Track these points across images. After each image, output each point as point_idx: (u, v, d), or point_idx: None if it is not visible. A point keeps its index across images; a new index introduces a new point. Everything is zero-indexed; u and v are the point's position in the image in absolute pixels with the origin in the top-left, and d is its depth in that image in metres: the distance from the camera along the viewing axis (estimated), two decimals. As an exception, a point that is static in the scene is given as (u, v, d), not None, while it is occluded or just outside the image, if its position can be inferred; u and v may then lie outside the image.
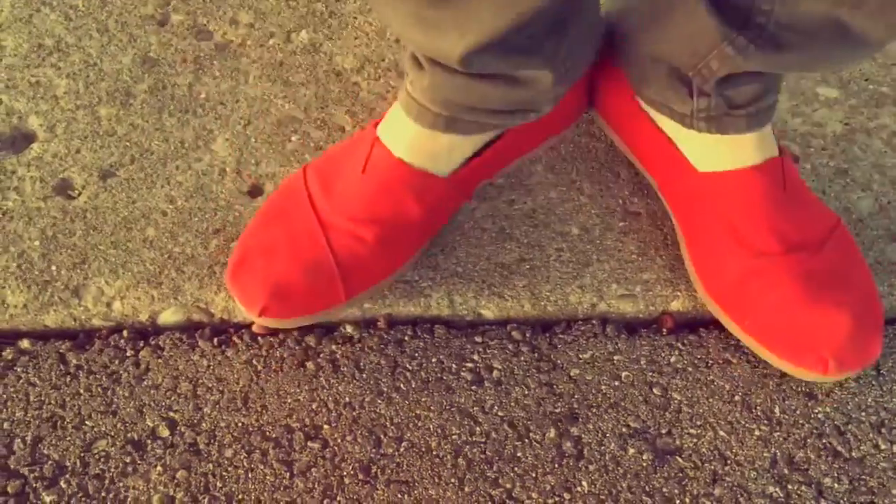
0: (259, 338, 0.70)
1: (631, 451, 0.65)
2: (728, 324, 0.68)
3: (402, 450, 0.65)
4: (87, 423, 0.66)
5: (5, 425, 0.65)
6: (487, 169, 0.71)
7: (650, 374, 0.69)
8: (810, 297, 0.64)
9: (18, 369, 0.68)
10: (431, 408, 0.67)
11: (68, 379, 0.67)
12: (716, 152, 0.66)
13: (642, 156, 0.73)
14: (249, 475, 0.64)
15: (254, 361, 0.68)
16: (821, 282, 0.65)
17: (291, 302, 0.65)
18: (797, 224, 0.66)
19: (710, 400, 0.68)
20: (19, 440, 0.65)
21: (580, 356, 0.70)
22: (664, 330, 0.71)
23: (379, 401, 0.67)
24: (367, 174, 0.66)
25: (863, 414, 0.67)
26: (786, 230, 0.65)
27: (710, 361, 0.69)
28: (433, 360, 0.69)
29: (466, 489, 0.63)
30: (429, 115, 0.64)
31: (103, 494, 0.63)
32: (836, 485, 0.64)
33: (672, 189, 0.71)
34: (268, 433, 0.65)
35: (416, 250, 0.69)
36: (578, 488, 0.64)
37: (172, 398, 0.67)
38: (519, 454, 0.65)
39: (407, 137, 0.66)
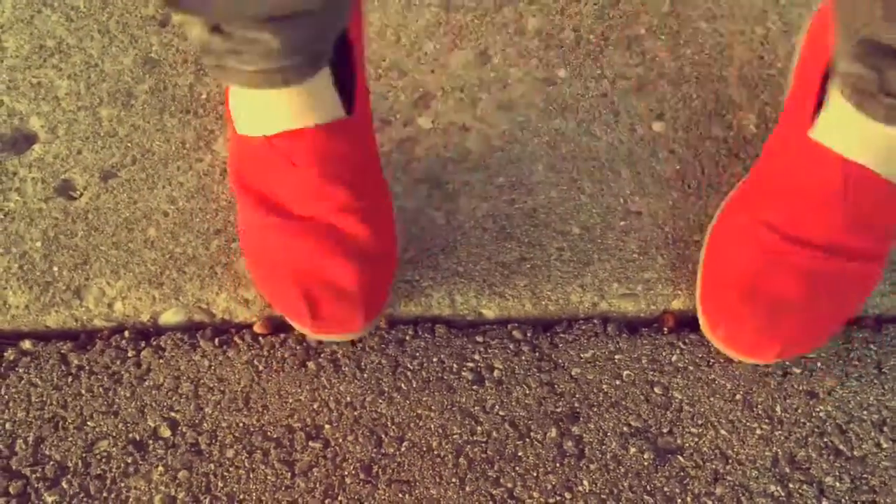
0: (260, 338, 0.70)
1: (632, 450, 0.65)
2: (697, 277, 0.68)
3: (403, 449, 0.65)
4: (88, 423, 0.66)
5: (7, 426, 0.66)
6: (360, 83, 0.67)
7: (651, 373, 0.69)
8: (765, 275, 0.63)
9: (20, 370, 0.68)
10: (432, 407, 0.67)
11: (70, 379, 0.68)
12: (845, 130, 0.62)
13: (792, 93, 0.69)
14: (251, 475, 0.64)
15: (255, 362, 0.69)
16: (794, 274, 0.63)
17: (371, 296, 0.64)
18: (836, 232, 0.63)
19: (712, 399, 0.68)
20: (21, 441, 0.65)
21: (581, 355, 0.70)
22: (665, 329, 0.71)
23: (380, 400, 0.67)
24: (298, 164, 0.62)
25: (864, 412, 0.67)
26: (813, 226, 0.63)
27: (712, 360, 0.69)
28: (434, 359, 0.69)
29: (467, 489, 0.63)
30: (278, 74, 0.59)
31: (105, 495, 0.63)
32: (837, 484, 0.64)
33: (782, 138, 0.67)
34: (269, 433, 0.65)
35: (388, 189, 0.69)
36: (580, 487, 0.64)
37: (174, 398, 0.67)
38: (520, 454, 0.65)
39: (290, 102, 0.61)
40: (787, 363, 0.69)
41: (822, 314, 0.64)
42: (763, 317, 0.63)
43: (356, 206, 0.64)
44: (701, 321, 0.67)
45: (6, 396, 0.67)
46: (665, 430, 0.66)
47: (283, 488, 0.63)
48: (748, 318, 0.63)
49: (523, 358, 0.69)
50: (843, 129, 0.62)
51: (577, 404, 0.67)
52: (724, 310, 0.65)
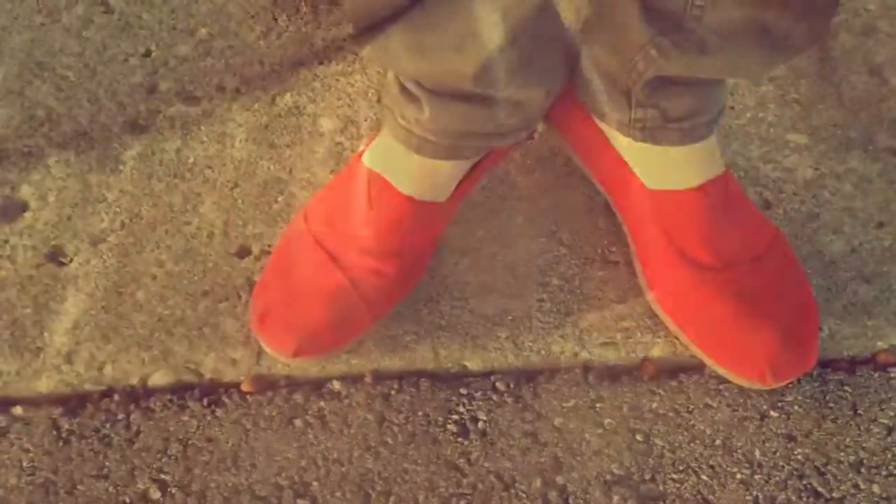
0: (248, 396, 0.71)
1: (615, 497, 0.66)
2: (676, 332, 0.71)
3: (390, 504, 0.66)
4: (79, 487, 0.67)
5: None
6: (474, 183, 0.74)
7: (632, 420, 0.70)
8: (745, 311, 0.67)
9: (12, 436, 0.69)
10: (418, 461, 0.68)
11: (61, 444, 0.69)
12: (661, 170, 0.69)
13: (597, 171, 0.76)
14: (240, 534, 0.65)
15: (243, 420, 0.70)
16: (756, 296, 0.67)
17: (322, 338, 0.67)
18: (736, 241, 0.69)
19: (692, 444, 0.69)
20: (13, 506, 0.66)
21: (563, 405, 0.71)
22: (645, 376, 0.72)
23: (367, 456, 0.68)
24: (375, 211, 0.68)
25: (842, 454, 0.68)
26: (724, 247, 0.68)
27: (691, 406, 0.71)
28: (419, 413, 0.70)
29: (454, 542, 0.64)
30: (429, 145, 0.66)
31: (96, 558, 0.63)
32: (818, 526, 0.65)
33: (624, 203, 0.74)
34: (257, 491, 0.66)
35: (426, 265, 0.73)
36: (565, 537, 0.65)
37: (163, 460, 0.68)
38: (505, 505, 0.66)
39: (410, 171, 0.68)
40: (765, 406, 0.70)
41: (797, 293, 0.69)
42: (779, 338, 0.66)
43: (379, 269, 0.68)
44: (745, 383, 0.69)
45: (-2, 462, 0.68)
46: (647, 477, 0.67)
47: (273, 546, 0.64)
48: (775, 351, 0.66)
49: (507, 409, 0.71)
50: (666, 171, 0.69)
51: (560, 454, 0.69)
52: (753, 362, 0.67)
